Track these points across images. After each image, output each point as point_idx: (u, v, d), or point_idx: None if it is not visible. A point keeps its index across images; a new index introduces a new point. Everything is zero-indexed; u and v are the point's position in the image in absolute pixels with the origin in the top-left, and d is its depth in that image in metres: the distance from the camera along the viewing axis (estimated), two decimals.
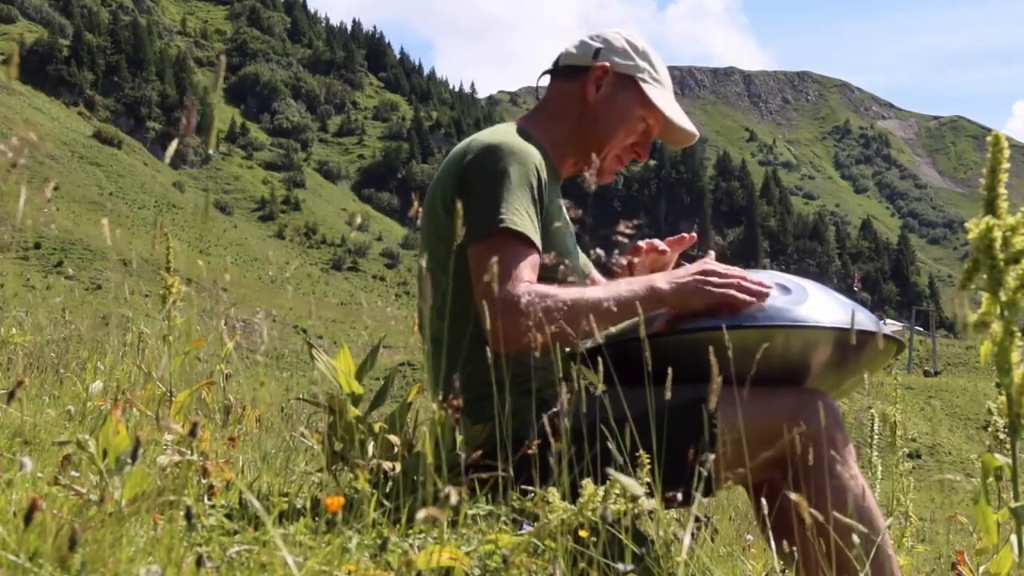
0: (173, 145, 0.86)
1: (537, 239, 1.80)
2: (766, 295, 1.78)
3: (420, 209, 1.80)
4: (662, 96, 2.05)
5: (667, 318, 1.82)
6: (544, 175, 1.87)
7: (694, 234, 2.18)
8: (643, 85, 2.03)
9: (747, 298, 1.76)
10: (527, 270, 1.75)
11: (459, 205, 1.34)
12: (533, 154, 1.87)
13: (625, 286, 1.78)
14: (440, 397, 1.53)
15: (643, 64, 2.05)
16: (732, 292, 1.76)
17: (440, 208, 1.88)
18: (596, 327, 1.58)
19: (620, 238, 1.89)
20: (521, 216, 1.78)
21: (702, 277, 1.78)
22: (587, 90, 2.02)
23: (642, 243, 2.11)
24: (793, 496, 1.16)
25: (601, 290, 1.78)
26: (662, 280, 1.79)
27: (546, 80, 2.12)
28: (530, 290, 1.71)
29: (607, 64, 2.03)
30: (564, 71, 2.07)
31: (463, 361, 1.77)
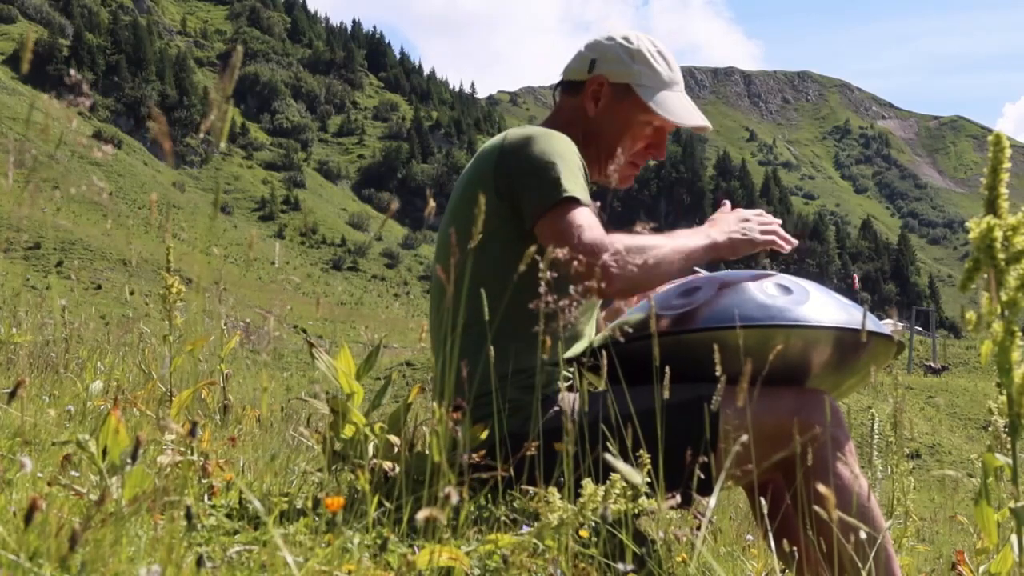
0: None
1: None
2: (795, 243, 1.97)
3: (433, 208, 1.80)
4: (665, 96, 2.03)
5: (672, 317, 1.82)
6: (582, 161, 1.91)
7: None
8: (639, 90, 2.01)
9: (786, 242, 1.95)
10: (599, 225, 1.79)
11: (481, 200, 1.34)
12: (570, 140, 1.91)
13: (687, 239, 1.87)
14: (446, 396, 1.52)
15: (638, 68, 2.02)
16: (774, 238, 1.93)
17: (475, 201, 1.87)
18: (665, 275, 1.78)
19: None
20: (580, 187, 1.82)
21: (746, 224, 1.93)
22: (586, 105, 2.04)
23: None
24: (821, 489, 1.16)
25: (669, 240, 1.85)
26: (716, 232, 1.90)
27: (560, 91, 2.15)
28: (609, 239, 1.76)
29: (602, 76, 2.03)
30: (568, 85, 2.09)
31: (473, 356, 1.76)
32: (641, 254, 1.76)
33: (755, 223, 1.94)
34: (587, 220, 1.78)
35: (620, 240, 1.77)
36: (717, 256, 1.90)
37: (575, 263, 1.59)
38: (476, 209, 1.32)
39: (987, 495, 1.21)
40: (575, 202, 1.78)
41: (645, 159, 2.09)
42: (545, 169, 1.81)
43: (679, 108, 2.04)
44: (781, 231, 1.97)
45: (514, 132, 1.93)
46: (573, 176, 1.82)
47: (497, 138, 1.94)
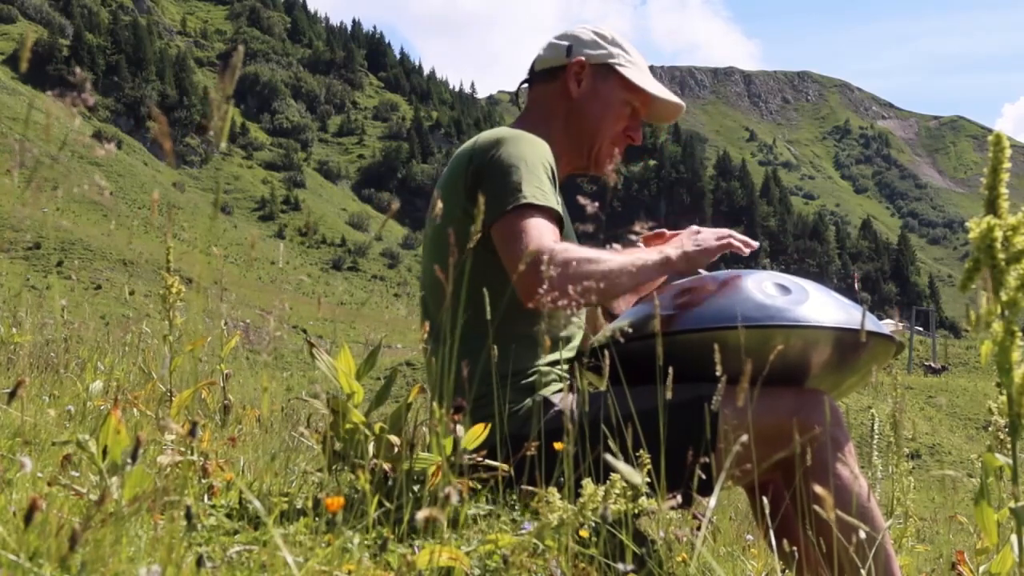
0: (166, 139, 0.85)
1: (559, 209, 1.84)
2: (755, 246, 2.02)
3: (441, 209, 1.81)
4: (641, 76, 2.10)
5: (671, 317, 1.82)
6: (553, 163, 1.91)
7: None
8: (621, 69, 2.07)
9: (745, 244, 1.99)
10: (549, 232, 1.78)
11: (480, 199, 1.35)
12: (542, 142, 1.92)
13: (639, 254, 1.88)
14: (445, 396, 1.52)
15: (615, 50, 2.10)
16: (730, 242, 1.96)
17: (454, 205, 1.88)
18: (613, 288, 1.75)
19: (634, 237, 1.97)
20: (541, 191, 1.82)
21: (699, 236, 1.97)
22: (568, 87, 2.07)
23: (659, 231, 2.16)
24: (818, 490, 1.16)
25: (620, 255, 1.85)
26: (669, 249, 1.92)
27: (526, 89, 2.17)
28: (553, 246, 1.75)
29: (582, 58, 2.07)
30: (541, 75, 2.11)
31: (470, 358, 1.77)
32: (587, 266, 1.74)
33: (708, 234, 1.97)
34: (538, 227, 1.77)
35: (569, 251, 1.75)
36: (672, 271, 1.90)
37: (518, 269, 1.60)
38: (476, 210, 1.32)
39: (987, 495, 1.21)
40: (531, 208, 1.78)
41: (625, 143, 2.12)
42: (507, 173, 1.82)
43: (657, 87, 2.11)
44: (737, 236, 1.99)
45: (485, 135, 1.94)
46: (536, 181, 1.82)
47: (469, 142, 1.96)
